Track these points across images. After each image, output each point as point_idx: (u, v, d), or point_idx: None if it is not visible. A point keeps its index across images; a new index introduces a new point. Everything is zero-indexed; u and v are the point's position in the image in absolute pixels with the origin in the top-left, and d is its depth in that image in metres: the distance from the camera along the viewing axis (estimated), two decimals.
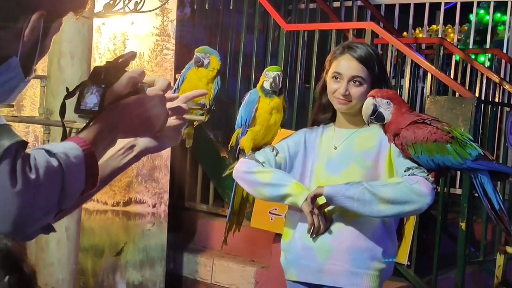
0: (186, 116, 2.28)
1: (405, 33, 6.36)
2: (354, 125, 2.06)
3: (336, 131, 2.08)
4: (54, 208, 0.91)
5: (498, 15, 6.77)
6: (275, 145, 2.13)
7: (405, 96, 3.94)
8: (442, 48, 4.59)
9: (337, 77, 2.01)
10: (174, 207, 4.00)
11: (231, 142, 2.26)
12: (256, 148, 2.15)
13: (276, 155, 2.07)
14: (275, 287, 3.34)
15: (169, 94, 1.09)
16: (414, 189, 1.83)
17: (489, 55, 5.80)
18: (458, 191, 4.20)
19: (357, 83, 1.99)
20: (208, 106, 2.24)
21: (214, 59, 2.25)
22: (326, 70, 2.08)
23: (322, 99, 2.12)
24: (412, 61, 3.80)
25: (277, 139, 2.19)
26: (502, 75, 5.07)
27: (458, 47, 5.61)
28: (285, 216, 2.21)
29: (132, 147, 1.13)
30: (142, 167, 3.62)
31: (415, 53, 3.86)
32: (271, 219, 3.46)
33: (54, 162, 0.89)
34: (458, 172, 4.00)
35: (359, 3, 5.62)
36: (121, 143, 1.10)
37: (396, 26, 5.73)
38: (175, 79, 2.36)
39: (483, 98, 4.70)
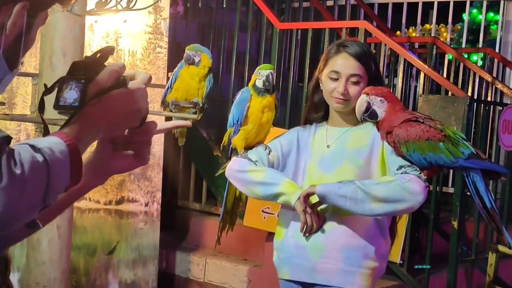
0: (179, 114, 2.28)
1: (398, 32, 6.37)
2: (347, 124, 2.06)
3: (329, 130, 2.08)
4: (39, 204, 0.90)
5: (491, 14, 6.79)
6: (268, 143, 2.12)
7: (398, 95, 3.94)
8: (435, 47, 4.60)
9: (335, 76, 2.00)
10: (167, 206, 3.99)
11: (223, 142, 2.26)
12: (248, 147, 2.14)
13: (269, 153, 2.06)
14: (268, 285, 3.34)
15: (129, 71, 1.06)
16: (407, 187, 1.83)
17: (482, 54, 5.83)
18: (451, 190, 4.21)
19: (355, 81, 1.99)
20: (200, 105, 2.23)
21: (205, 57, 2.24)
22: (320, 69, 2.07)
23: (315, 98, 2.12)
24: (405, 60, 3.81)
25: (270, 138, 2.18)
26: (494, 74, 5.09)
27: (451, 46, 5.63)
28: (278, 215, 2.21)
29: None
30: None
31: (408, 52, 3.87)
32: (264, 218, 3.45)
33: (39, 158, 0.87)
34: (451, 171, 4.01)
35: (352, 1, 5.62)
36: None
37: (389, 25, 5.74)
38: (168, 78, 2.35)
39: (475, 97, 4.72)
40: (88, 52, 3.21)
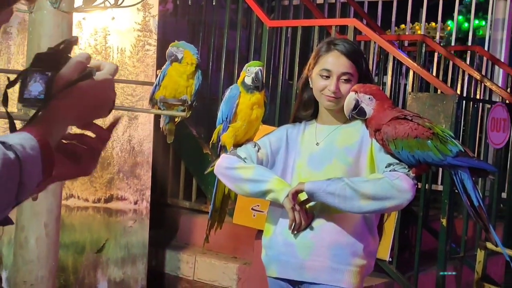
0: (167, 112, 2.26)
1: (388, 31, 6.38)
2: (337, 121, 2.06)
3: (318, 128, 2.08)
4: (12, 201, 0.88)
5: (476, 21, 6.82)
6: (257, 141, 2.12)
7: (387, 93, 3.95)
8: (424, 45, 4.62)
9: (326, 74, 2.00)
10: (156, 204, 3.98)
11: (212, 139, 2.25)
12: (237, 145, 2.14)
13: (258, 151, 2.06)
14: (258, 283, 3.34)
15: (94, 62, 1.04)
16: (395, 185, 1.83)
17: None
18: (440, 188, 4.23)
19: (346, 80, 1.99)
20: (189, 102, 2.22)
21: (187, 53, 2.22)
22: (310, 68, 2.07)
23: (304, 96, 2.12)
24: (394, 58, 3.81)
25: (259, 135, 2.18)
26: (483, 73, 5.11)
27: (441, 44, 5.65)
28: (266, 213, 2.21)
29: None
30: (124, 163, 3.60)
31: (397, 50, 3.88)
32: (254, 216, 3.45)
33: (11, 155, 0.85)
34: (440, 169, 4.03)
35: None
36: None
37: (379, 23, 5.75)
38: (157, 75, 2.34)
39: (464, 95, 4.73)
40: (77, 50, 3.19)
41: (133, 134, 3.61)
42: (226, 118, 2.13)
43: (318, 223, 1.97)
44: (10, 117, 1.00)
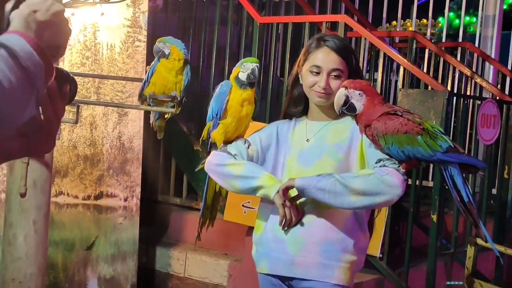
0: (157, 108, 2.25)
1: (379, 28, 6.39)
2: (327, 118, 2.06)
3: (309, 124, 2.08)
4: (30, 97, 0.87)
5: (467, 18, 6.84)
6: (247, 137, 2.11)
7: (378, 89, 3.95)
8: (415, 41, 4.62)
9: (316, 71, 1.99)
10: (147, 201, 3.97)
11: (202, 136, 2.24)
12: (228, 141, 2.13)
13: (248, 147, 2.06)
14: (249, 280, 3.33)
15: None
16: (385, 180, 1.83)
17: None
18: (430, 184, 4.24)
19: (336, 76, 1.99)
20: (179, 98, 2.20)
21: (174, 48, 2.20)
22: (300, 64, 2.07)
23: (294, 92, 2.11)
24: (385, 54, 3.81)
25: (250, 132, 2.17)
26: (474, 69, 5.13)
27: (432, 41, 5.66)
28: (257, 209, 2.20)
29: None
30: (114, 160, 3.58)
31: (388, 47, 3.88)
32: (244, 212, 3.44)
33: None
34: (431, 165, 4.04)
35: None
36: None
37: (370, 20, 5.75)
38: (146, 72, 2.32)
39: (455, 91, 4.75)
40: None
41: (123, 130, 3.60)
42: (216, 115, 2.12)
43: (309, 219, 1.96)
44: None
